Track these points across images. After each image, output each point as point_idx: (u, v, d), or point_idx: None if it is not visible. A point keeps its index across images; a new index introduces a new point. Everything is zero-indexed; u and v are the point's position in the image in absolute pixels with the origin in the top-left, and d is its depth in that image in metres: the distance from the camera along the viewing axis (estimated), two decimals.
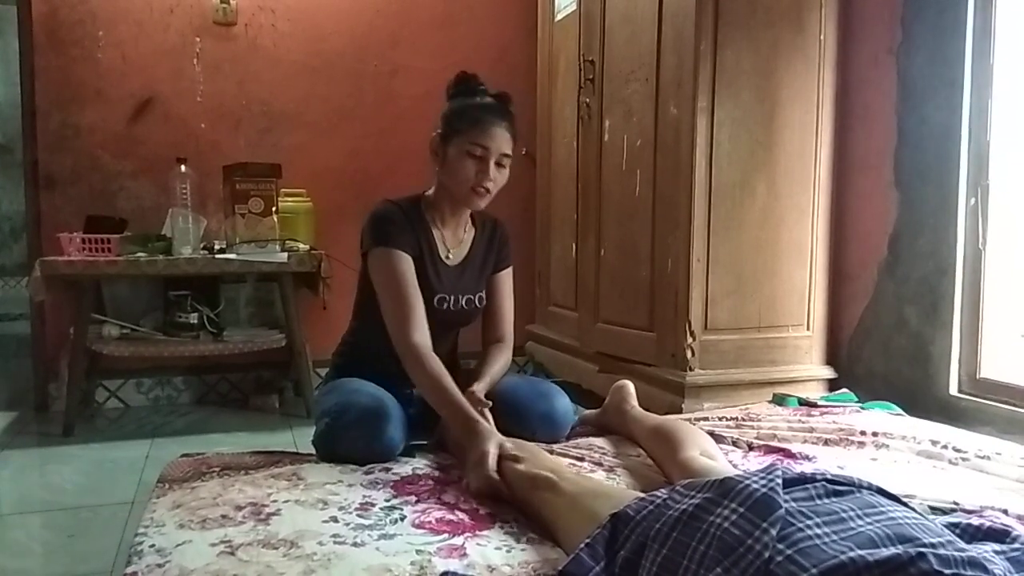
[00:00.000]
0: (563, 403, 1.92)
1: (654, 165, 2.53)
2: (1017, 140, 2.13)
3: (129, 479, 2.34)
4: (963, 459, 1.71)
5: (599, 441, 1.87)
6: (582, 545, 1.11)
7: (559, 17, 3.21)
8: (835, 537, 0.91)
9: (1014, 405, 2.05)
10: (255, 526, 1.34)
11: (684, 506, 1.05)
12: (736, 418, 2.05)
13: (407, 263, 1.82)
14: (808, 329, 2.54)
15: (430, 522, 1.37)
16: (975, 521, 1.12)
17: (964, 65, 2.17)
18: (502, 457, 1.54)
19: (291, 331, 3.04)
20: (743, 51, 2.38)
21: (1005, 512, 1.36)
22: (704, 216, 2.38)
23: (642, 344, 2.60)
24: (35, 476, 2.49)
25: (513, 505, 1.45)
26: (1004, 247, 2.15)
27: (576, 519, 1.25)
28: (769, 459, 1.73)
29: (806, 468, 1.62)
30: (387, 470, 1.66)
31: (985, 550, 0.93)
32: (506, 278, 2.05)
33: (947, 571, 0.82)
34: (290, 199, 3.17)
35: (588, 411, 2.15)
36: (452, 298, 1.92)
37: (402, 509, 1.43)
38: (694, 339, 2.39)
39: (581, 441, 1.88)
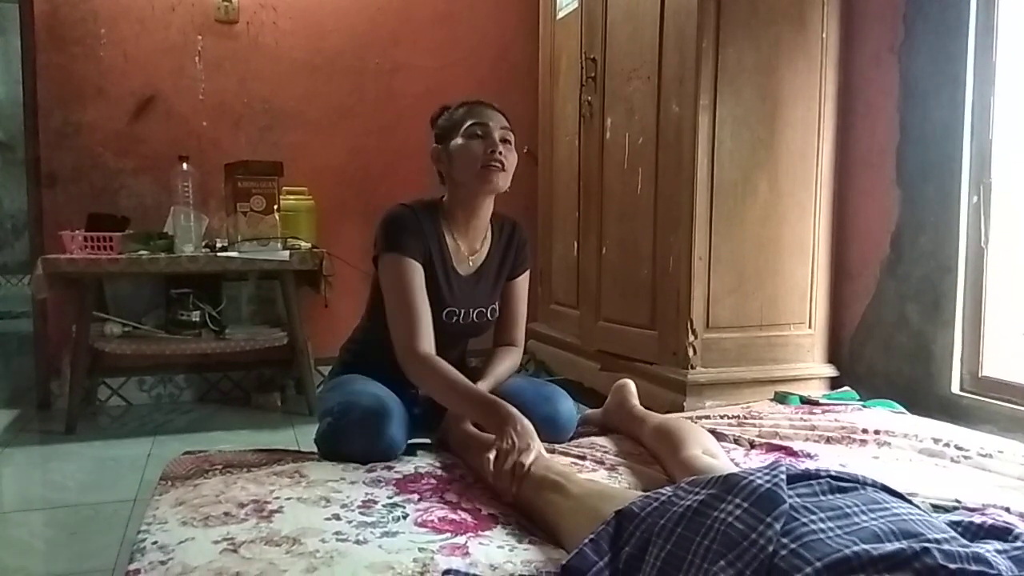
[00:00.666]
0: (567, 406, 1.90)
1: (656, 163, 2.53)
2: (1020, 138, 2.12)
3: (131, 477, 2.34)
4: (965, 457, 1.71)
5: (601, 440, 1.87)
6: (586, 540, 1.11)
7: (561, 15, 3.21)
8: (839, 532, 0.91)
9: (1016, 403, 2.05)
10: (257, 523, 1.34)
11: (688, 502, 1.05)
12: (738, 416, 2.05)
13: (416, 271, 1.79)
14: (810, 327, 2.54)
15: (433, 521, 1.37)
16: (977, 519, 1.12)
17: (966, 63, 2.16)
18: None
19: (293, 329, 3.05)
20: (745, 49, 2.38)
21: (1007, 510, 1.36)
22: (706, 214, 2.38)
23: (644, 342, 2.60)
24: (37, 474, 2.50)
25: (515, 507, 1.45)
26: (1006, 245, 2.15)
27: (581, 520, 1.24)
28: (771, 457, 1.73)
29: (808, 466, 1.62)
30: (389, 468, 1.66)
31: (987, 548, 0.93)
32: (523, 283, 2.02)
33: (952, 566, 0.82)
34: (292, 197, 3.18)
35: (590, 410, 2.15)
36: (462, 312, 1.89)
37: (405, 507, 1.43)
38: (696, 337, 2.39)
39: (583, 440, 1.88)
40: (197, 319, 3.11)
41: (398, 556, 1.21)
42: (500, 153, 1.79)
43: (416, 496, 1.49)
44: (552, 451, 1.73)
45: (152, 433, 2.87)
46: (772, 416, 2.06)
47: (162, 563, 1.19)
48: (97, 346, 2.92)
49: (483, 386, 1.82)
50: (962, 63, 2.17)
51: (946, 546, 0.85)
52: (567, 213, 3.16)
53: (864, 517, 0.94)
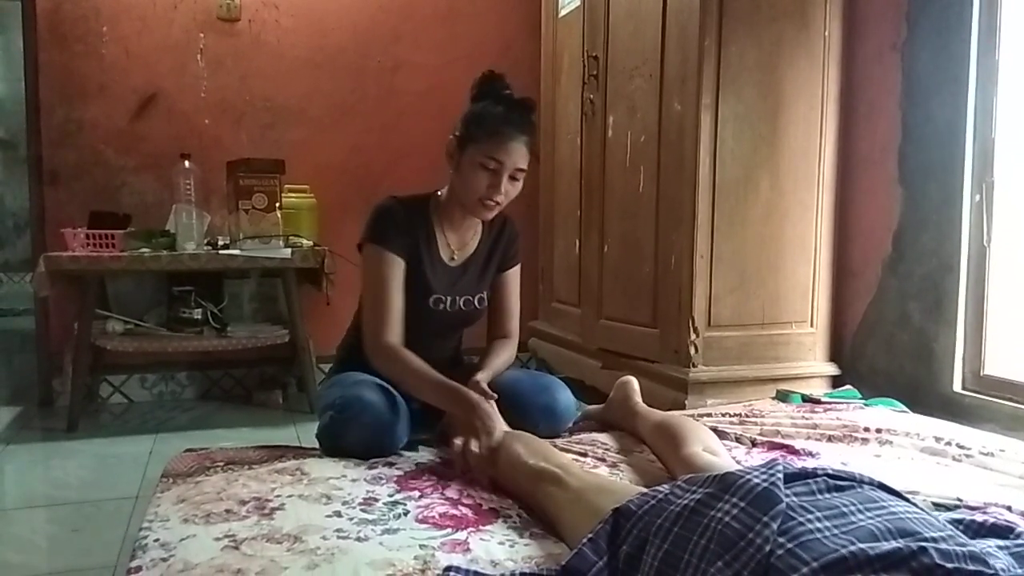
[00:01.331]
0: (565, 396, 1.93)
1: (658, 161, 2.53)
2: (1022, 137, 2.12)
3: (133, 474, 2.35)
4: (967, 456, 1.71)
5: (602, 437, 1.88)
6: (585, 540, 1.11)
7: (563, 13, 3.21)
8: (836, 531, 0.91)
9: (1018, 402, 2.04)
10: (259, 521, 1.34)
11: (686, 501, 1.05)
12: (739, 414, 2.05)
13: (395, 265, 1.84)
14: (812, 325, 2.54)
15: (433, 517, 1.37)
16: (978, 517, 1.12)
17: (969, 61, 2.16)
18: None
19: (294, 327, 3.05)
20: (747, 47, 2.38)
21: (1008, 508, 1.36)
22: (708, 212, 2.38)
23: (645, 340, 2.59)
24: (39, 471, 2.50)
25: (514, 498, 1.46)
26: (1009, 244, 2.14)
27: (579, 514, 1.25)
28: (772, 455, 1.73)
29: (809, 464, 1.62)
30: (390, 465, 1.66)
31: (988, 546, 0.93)
32: (513, 276, 2.05)
33: (948, 565, 0.82)
34: (293, 195, 3.18)
35: (591, 407, 2.15)
36: (449, 299, 1.92)
37: (405, 504, 1.43)
38: (697, 335, 2.39)
39: (584, 436, 1.89)
40: (199, 317, 3.11)
41: (399, 553, 1.21)
42: (501, 194, 1.80)
43: (417, 492, 1.49)
44: (554, 445, 1.73)
45: (154, 430, 2.87)
46: (774, 414, 2.05)
47: (164, 560, 1.20)
48: (99, 344, 2.92)
49: (482, 376, 1.85)
50: (965, 61, 2.17)
51: (943, 545, 0.85)
52: (569, 211, 3.16)
53: (861, 516, 0.93)
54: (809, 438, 1.85)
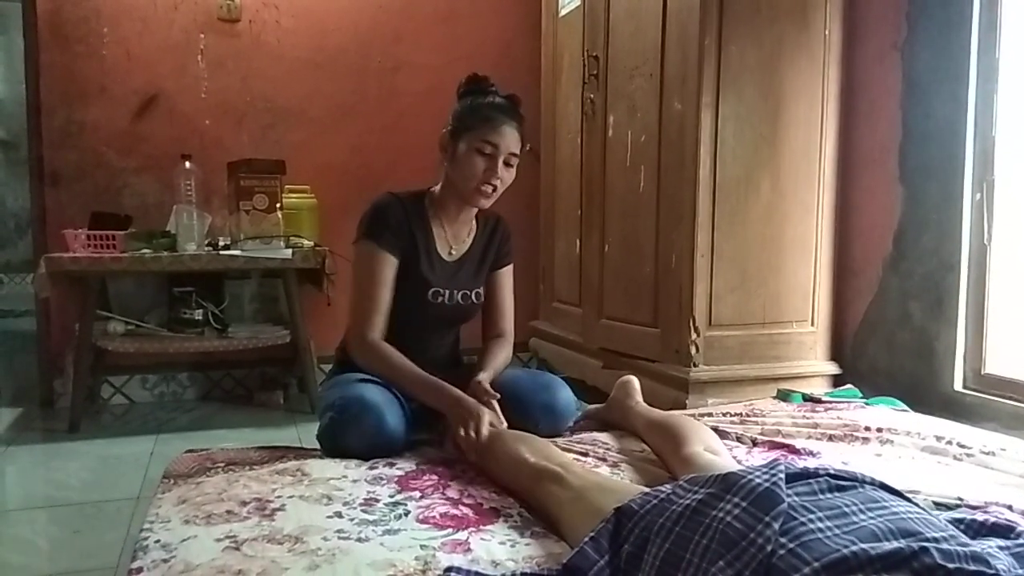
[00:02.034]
0: (565, 394, 1.93)
1: (658, 161, 2.53)
2: (1023, 136, 2.12)
3: (134, 475, 2.35)
4: (967, 455, 1.71)
5: (603, 436, 1.88)
6: (586, 539, 1.11)
7: (563, 12, 3.21)
8: (837, 531, 0.91)
9: (1019, 401, 2.04)
10: (260, 521, 1.34)
11: (687, 501, 1.05)
12: (740, 414, 2.05)
13: (387, 263, 1.86)
14: (812, 325, 2.54)
15: (434, 517, 1.37)
16: (979, 517, 1.12)
17: (969, 60, 2.16)
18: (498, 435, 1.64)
19: (295, 327, 3.05)
20: (747, 47, 2.38)
21: (1010, 508, 1.36)
22: (708, 212, 2.38)
23: (646, 340, 2.59)
24: (40, 472, 2.50)
25: (515, 496, 1.46)
26: (1009, 243, 2.14)
27: (580, 513, 1.25)
28: (773, 455, 1.73)
29: (810, 464, 1.62)
30: (391, 465, 1.66)
31: (989, 545, 0.93)
32: (506, 275, 2.07)
33: (950, 565, 0.82)
34: (294, 195, 3.18)
35: (592, 406, 2.15)
36: (447, 292, 1.94)
37: (406, 504, 1.43)
38: (698, 335, 2.39)
39: (585, 436, 1.88)
40: (200, 317, 3.11)
41: (400, 554, 1.21)
42: (498, 178, 1.84)
43: (418, 493, 1.49)
44: (555, 445, 1.73)
45: (155, 431, 2.87)
46: (775, 414, 2.05)
47: (165, 561, 1.20)
48: (100, 344, 2.93)
49: (484, 376, 1.87)
50: (965, 60, 2.17)
51: (944, 545, 0.85)
52: (569, 211, 3.16)
53: (863, 516, 0.94)
54: (810, 437, 1.85)
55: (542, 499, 1.38)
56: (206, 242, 2.98)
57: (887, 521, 0.92)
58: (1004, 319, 2.15)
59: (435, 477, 1.59)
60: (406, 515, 1.38)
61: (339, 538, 1.27)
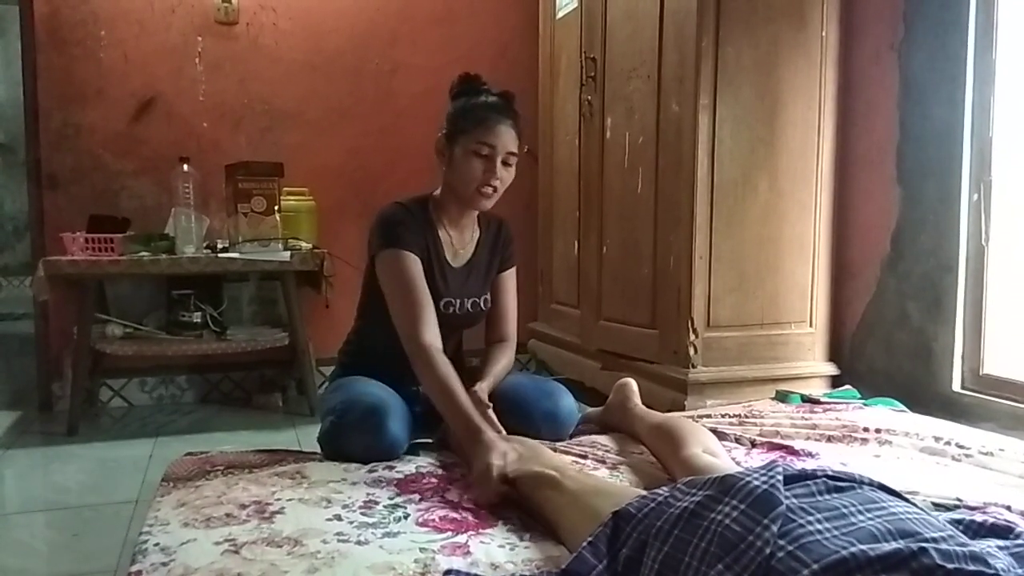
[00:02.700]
0: (567, 402, 1.92)
1: (656, 162, 2.53)
2: (1020, 136, 2.12)
3: (133, 478, 2.34)
4: (966, 455, 1.71)
5: (602, 439, 1.87)
6: (585, 543, 1.11)
7: (560, 14, 3.21)
8: (836, 532, 0.91)
9: (1017, 401, 2.05)
10: (259, 524, 1.34)
11: (685, 504, 1.05)
12: (739, 415, 2.05)
13: (416, 264, 1.81)
14: (811, 325, 2.54)
15: (434, 520, 1.37)
16: (978, 517, 1.12)
17: (966, 61, 2.16)
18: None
19: (294, 329, 3.05)
20: (744, 48, 2.38)
21: (1008, 508, 1.36)
22: (706, 213, 2.38)
23: (644, 341, 2.60)
24: (39, 475, 2.50)
25: (513, 503, 1.45)
26: (1007, 243, 2.15)
27: (578, 517, 1.25)
28: (772, 456, 1.73)
29: (809, 465, 1.62)
30: (390, 468, 1.66)
31: (988, 546, 0.93)
32: (510, 278, 2.05)
33: (949, 565, 0.82)
34: (292, 197, 3.18)
35: (591, 409, 2.15)
36: (458, 302, 1.92)
37: (406, 507, 1.43)
38: (696, 336, 2.39)
39: (584, 439, 1.88)
40: (198, 320, 3.11)
41: (399, 556, 1.21)
42: (497, 179, 1.81)
43: (417, 496, 1.50)
44: (553, 449, 1.73)
45: (154, 434, 2.87)
46: (773, 415, 2.06)
47: (164, 564, 1.20)
48: (98, 347, 2.92)
49: (484, 385, 1.84)
50: (962, 61, 2.17)
51: (943, 545, 0.85)
52: (567, 212, 3.16)
53: (861, 517, 0.94)
54: (808, 438, 1.85)
55: (540, 504, 1.38)
56: (204, 245, 2.98)
57: (886, 522, 0.92)
58: (1002, 319, 2.16)
59: (434, 481, 1.59)
60: (405, 518, 1.38)
61: (338, 541, 1.27)
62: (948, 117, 2.21)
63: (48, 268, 2.72)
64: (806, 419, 1.99)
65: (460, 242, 1.95)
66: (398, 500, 1.47)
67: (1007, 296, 2.15)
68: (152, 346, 3.00)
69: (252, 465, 1.70)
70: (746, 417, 2.03)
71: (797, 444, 1.79)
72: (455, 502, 1.47)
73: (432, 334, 1.77)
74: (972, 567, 0.82)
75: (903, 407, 2.13)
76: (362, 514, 1.40)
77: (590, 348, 2.93)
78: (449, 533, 1.32)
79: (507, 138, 1.81)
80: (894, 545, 0.86)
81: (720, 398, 2.36)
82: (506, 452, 1.53)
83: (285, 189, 3.10)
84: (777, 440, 1.83)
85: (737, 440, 1.84)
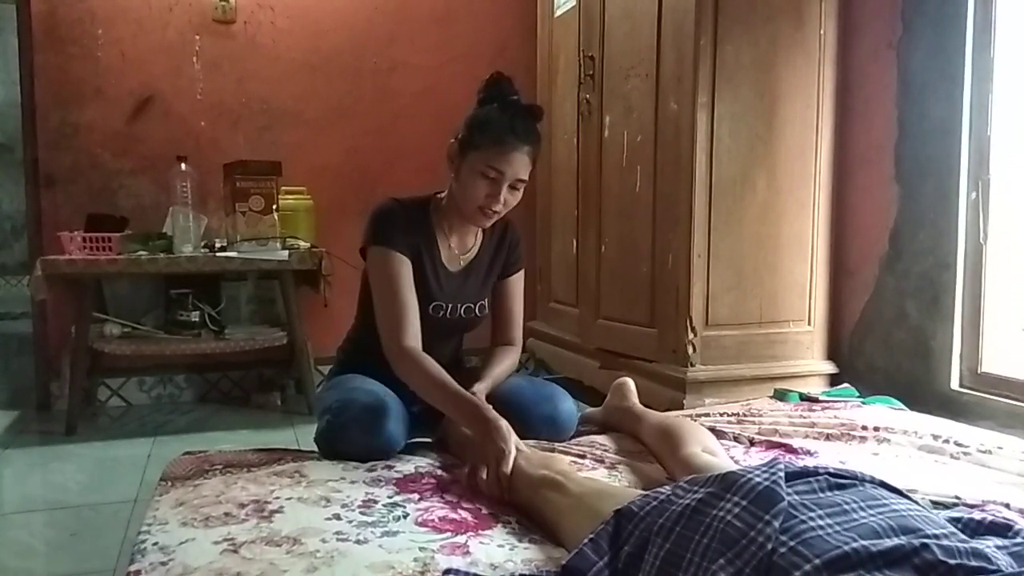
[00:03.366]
0: (567, 406, 1.90)
1: (654, 161, 2.53)
2: (1018, 134, 2.12)
3: (131, 477, 2.34)
4: (964, 453, 1.71)
5: (600, 438, 1.87)
6: (586, 540, 1.11)
7: (559, 13, 3.21)
8: (838, 528, 0.91)
9: (1015, 399, 2.05)
10: (258, 524, 1.34)
11: (687, 501, 1.05)
12: (737, 414, 2.05)
13: (404, 264, 1.78)
14: (809, 324, 2.54)
15: (433, 520, 1.37)
16: (977, 515, 1.12)
17: (965, 59, 2.16)
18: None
19: (292, 329, 3.05)
20: (743, 46, 2.38)
21: (1007, 506, 1.36)
22: (704, 212, 2.38)
23: (643, 340, 2.60)
24: (37, 475, 2.50)
25: (514, 507, 1.45)
26: (1005, 241, 2.15)
27: (580, 518, 1.24)
28: (771, 454, 1.73)
29: (808, 463, 1.62)
30: (389, 468, 1.65)
31: (987, 545, 0.93)
32: (516, 282, 2.00)
33: (951, 561, 0.82)
34: (290, 196, 3.18)
35: (589, 408, 2.15)
36: (449, 307, 1.88)
37: (405, 507, 1.43)
38: (695, 335, 2.39)
39: (583, 439, 1.88)
40: (196, 319, 3.11)
41: (399, 556, 1.21)
42: (500, 204, 1.76)
43: (416, 495, 1.49)
44: (552, 450, 1.73)
45: (152, 433, 2.87)
46: (772, 413, 2.05)
47: (163, 564, 1.19)
48: (96, 347, 2.92)
49: (481, 387, 1.81)
50: (960, 59, 2.17)
51: (945, 542, 0.85)
52: (566, 211, 3.16)
53: (863, 513, 0.94)
54: (807, 437, 1.85)
55: (541, 507, 1.37)
56: (202, 244, 2.98)
57: (887, 518, 0.92)
58: (1000, 317, 2.16)
59: (434, 480, 1.58)
60: (405, 517, 1.38)
61: (337, 540, 1.27)
62: (946, 115, 2.21)
63: (46, 267, 2.72)
64: (804, 417, 1.99)
65: (460, 246, 1.91)
66: (397, 499, 1.47)
67: (1005, 294, 2.15)
68: (150, 345, 3.00)
69: (251, 464, 1.70)
70: (744, 416, 2.03)
71: (795, 442, 1.79)
72: (455, 502, 1.46)
73: (413, 338, 1.75)
74: (974, 563, 0.82)
75: (901, 405, 2.13)
76: (361, 513, 1.39)
77: (589, 347, 2.93)
78: (448, 533, 1.32)
79: (519, 165, 1.75)
80: (896, 541, 0.86)
81: (719, 396, 2.36)
82: (519, 441, 1.54)
83: (283, 188, 3.10)
84: (776, 438, 1.83)
85: (736, 439, 1.84)
